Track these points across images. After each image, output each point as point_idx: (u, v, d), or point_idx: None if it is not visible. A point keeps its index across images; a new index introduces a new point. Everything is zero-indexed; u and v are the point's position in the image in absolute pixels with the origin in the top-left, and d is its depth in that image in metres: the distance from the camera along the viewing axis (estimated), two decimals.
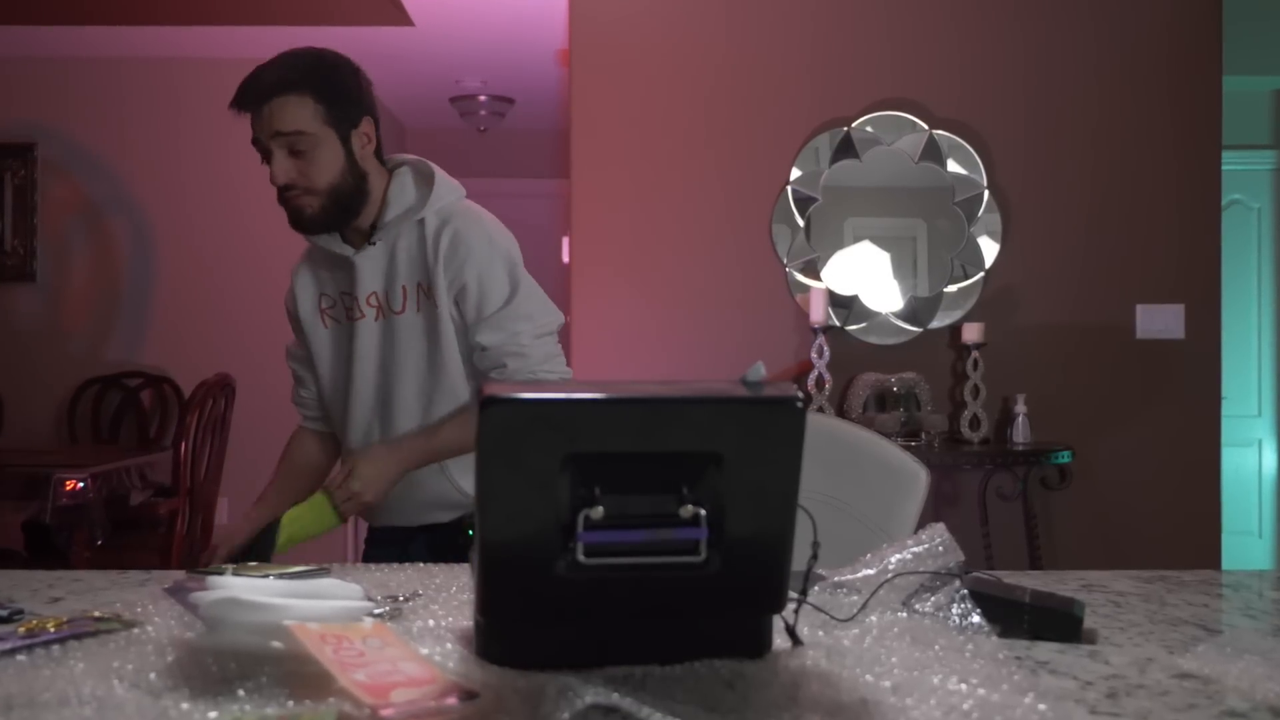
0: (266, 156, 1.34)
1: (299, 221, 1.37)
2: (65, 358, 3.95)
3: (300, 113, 1.31)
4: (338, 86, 1.34)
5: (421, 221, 1.38)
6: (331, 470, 1.47)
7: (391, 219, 1.38)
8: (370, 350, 1.40)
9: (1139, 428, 2.95)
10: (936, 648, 0.75)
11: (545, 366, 1.36)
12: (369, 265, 1.39)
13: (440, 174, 1.42)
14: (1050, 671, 0.72)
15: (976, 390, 2.85)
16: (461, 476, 1.41)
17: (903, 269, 3.00)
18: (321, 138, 1.32)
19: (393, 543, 1.45)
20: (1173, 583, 1.02)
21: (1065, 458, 2.77)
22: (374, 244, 1.38)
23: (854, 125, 2.96)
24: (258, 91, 1.32)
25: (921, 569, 0.87)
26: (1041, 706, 0.63)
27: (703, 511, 0.69)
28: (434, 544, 1.42)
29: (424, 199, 1.38)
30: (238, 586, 0.71)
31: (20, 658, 0.72)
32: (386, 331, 1.39)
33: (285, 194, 1.34)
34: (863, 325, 2.97)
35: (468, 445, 1.33)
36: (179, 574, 0.99)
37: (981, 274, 2.96)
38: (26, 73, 3.93)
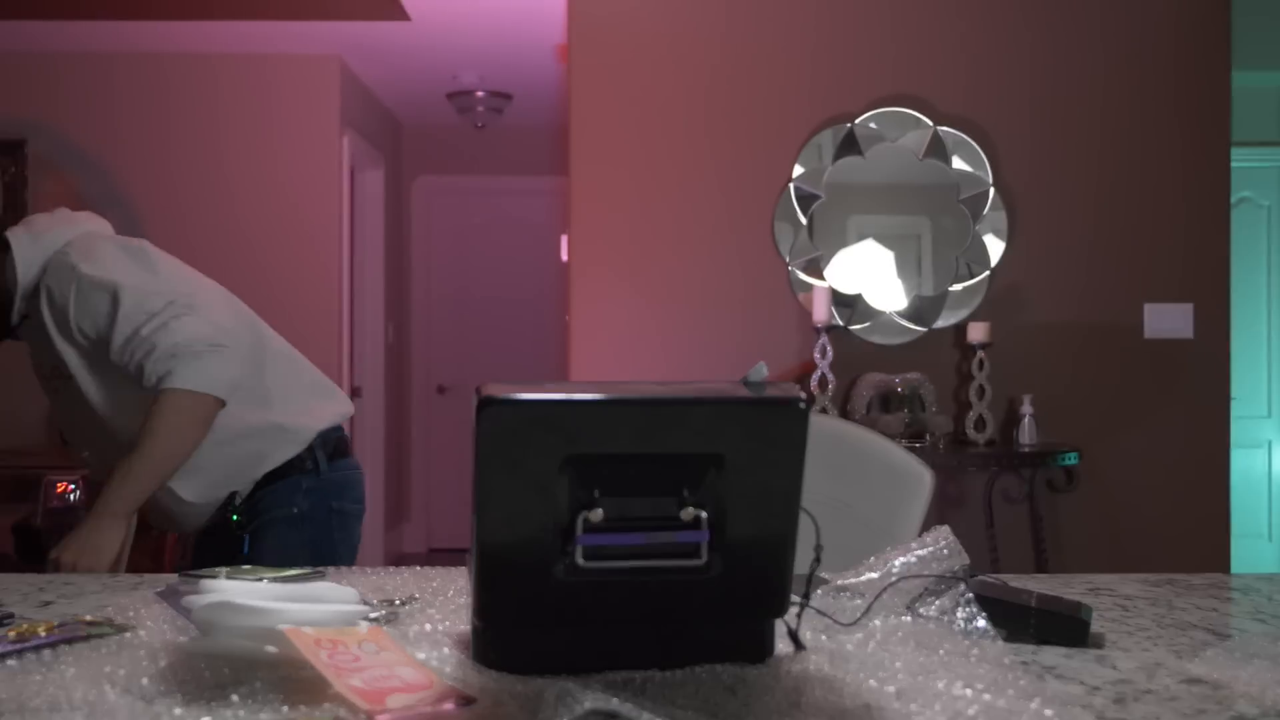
0: None
1: None
2: None
3: None
4: None
5: (44, 288, 1.39)
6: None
7: (21, 302, 1.40)
8: (79, 418, 1.45)
9: (1147, 429, 2.94)
10: (941, 652, 0.75)
11: (186, 344, 1.33)
12: (36, 345, 1.44)
13: (17, 244, 1.40)
14: (1057, 676, 0.71)
15: (982, 391, 2.84)
16: (182, 488, 1.41)
17: (907, 268, 2.99)
18: None
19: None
20: (1181, 586, 1.01)
21: (1072, 459, 2.75)
22: (27, 320, 1.42)
23: (857, 122, 2.95)
24: None
25: (926, 572, 0.86)
26: (1048, 712, 0.63)
27: (704, 514, 0.69)
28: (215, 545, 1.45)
29: (14, 268, 1.39)
30: (231, 590, 0.71)
31: (10, 663, 0.71)
32: (75, 395, 1.43)
33: None
34: (866, 325, 2.95)
35: (179, 449, 1.33)
36: (171, 578, 0.99)
37: (987, 273, 2.95)
38: (17, 68, 3.92)
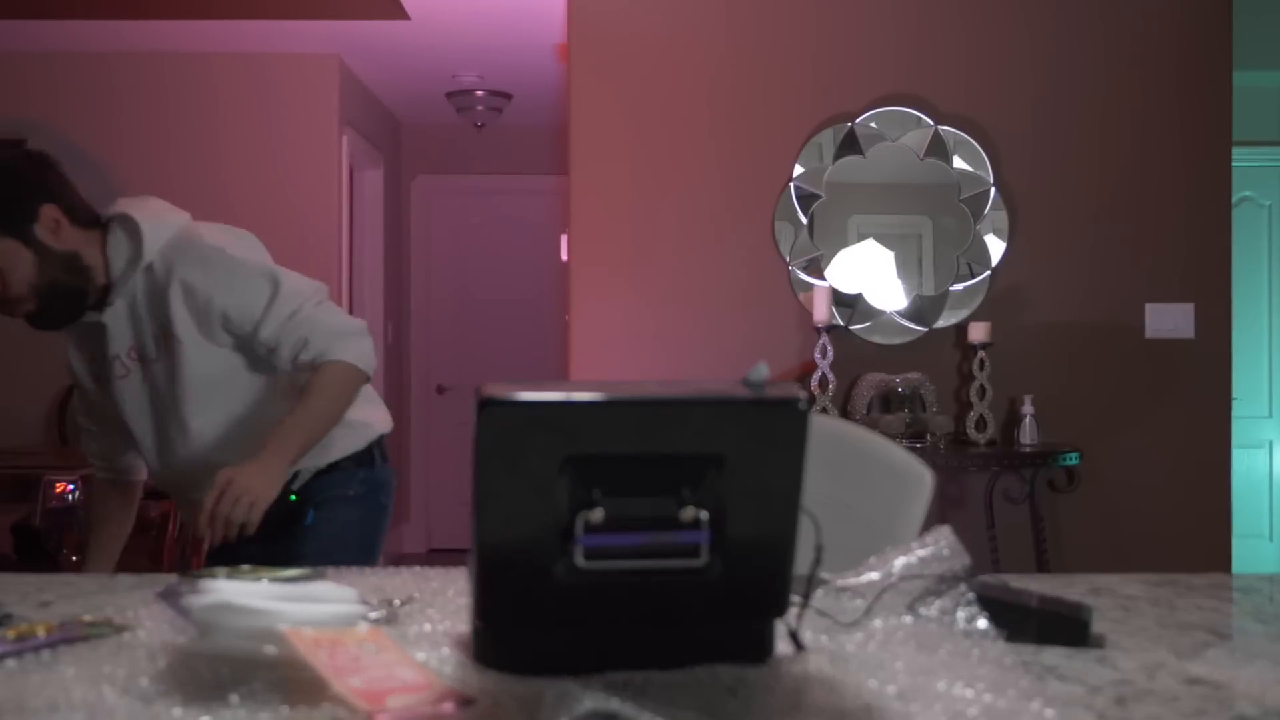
0: None
1: (39, 325, 1.41)
2: (55, 358, 3.88)
3: None
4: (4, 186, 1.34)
5: (150, 266, 1.42)
6: (130, 516, 1.56)
7: (119, 276, 1.41)
8: (141, 403, 1.45)
9: (1148, 429, 2.93)
10: (942, 653, 0.75)
11: (344, 325, 1.43)
12: (117, 323, 1.44)
13: (145, 220, 1.43)
14: (1058, 677, 0.71)
15: (983, 391, 2.83)
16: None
17: (908, 267, 2.98)
18: (1, 251, 1.33)
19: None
20: (1182, 586, 1.01)
21: (1073, 459, 2.75)
22: (112, 304, 1.43)
23: (858, 121, 2.94)
24: None
25: (927, 573, 0.86)
26: (1049, 712, 0.63)
27: (704, 514, 0.69)
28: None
29: (137, 249, 1.41)
30: (230, 591, 0.71)
31: (9, 663, 0.71)
32: (150, 380, 1.44)
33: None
34: (867, 325, 2.95)
35: (335, 413, 1.41)
36: (170, 578, 0.98)
37: (988, 272, 2.95)
38: (15, 68, 3.91)
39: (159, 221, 1.43)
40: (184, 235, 1.44)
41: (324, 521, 1.48)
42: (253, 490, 1.30)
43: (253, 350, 1.43)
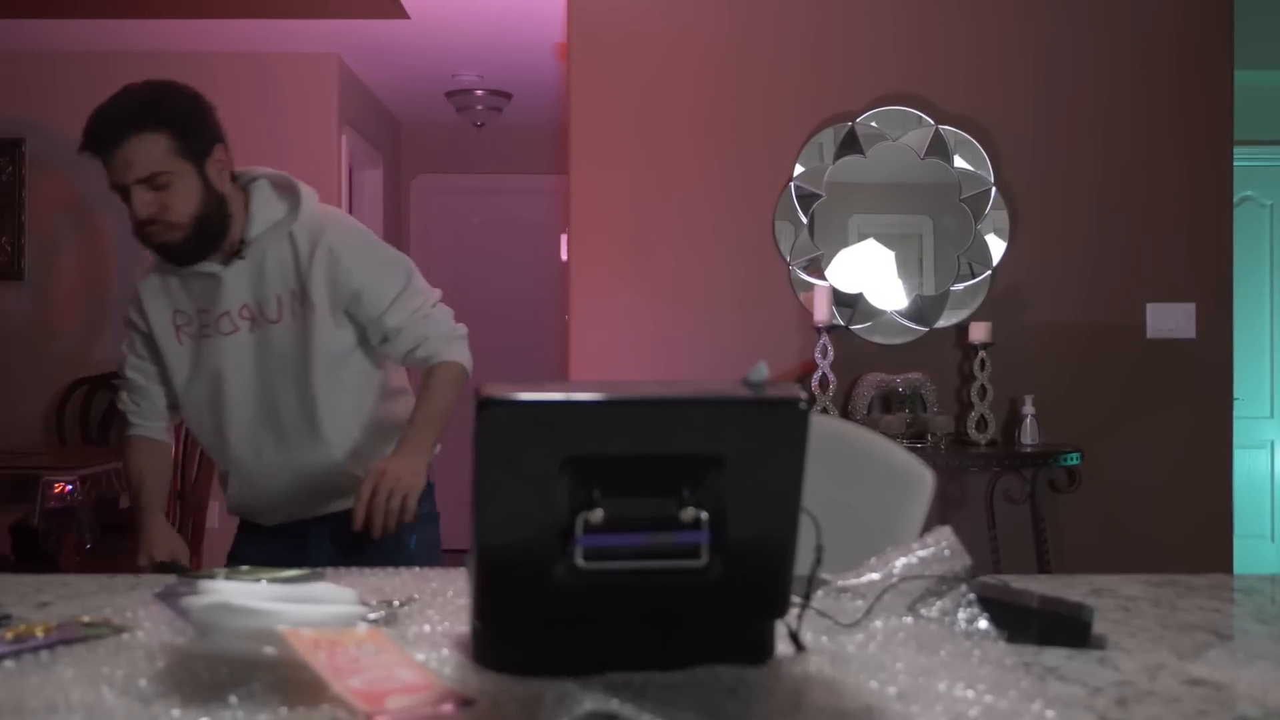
0: (125, 196, 1.36)
1: (170, 256, 1.40)
2: (54, 357, 3.91)
3: (155, 151, 1.34)
4: (187, 120, 1.38)
5: (291, 233, 1.43)
6: (170, 467, 1.55)
7: (259, 234, 1.42)
8: (245, 361, 1.44)
9: (1149, 429, 2.93)
10: (943, 653, 0.74)
11: (455, 329, 1.48)
12: (237, 279, 1.43)
13: (303, 186, 1.47)
14: (1059, 678, 0.71)
15: (983, 391, 2.83)
16: (354, 464, 1.45)
17: (908, 267, 2.98)
18: (179, 172, 1.35)
19: (290, 535, 1.49)
20: (1183, 587, 1.01)
21: (1074, 460, 2.74)
22: (243, 258, 1.43)
23: (858, 120, 2.94)
24: (110, 135, 1.34)
25: (927, 573, 0.86)
26: (1050, 713, 0.62)
27: (704, 515, 0.69)
28: (336, 532, 1.46)
29: (292, 212, 1.44)
30: (229, 591, 0.70)
31: (8, 664, 0.71)
32: (262, 341, 1.44)
33: (146, 229, 1.36)
34: (867, 324, 2.95)
35: (451, 413, 1.44)
36: (169, 578, 0.98)
37: (988, 272, 2.94)
38: (14, 67, 3.90)
39: (311, 190, 1.48)
40: (328, 209, 1.48)
41: (423, 546, 1.49)
42: (405, 480, 1.34)
43: (365, 336, 1.46)
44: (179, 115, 1.37)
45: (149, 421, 1.52)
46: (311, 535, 1.47)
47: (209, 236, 1.39)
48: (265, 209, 1.43)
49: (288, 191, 1.45)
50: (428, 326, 1.45)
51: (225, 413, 1.45)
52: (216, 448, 1.50)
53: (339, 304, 1.43)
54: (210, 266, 1.42)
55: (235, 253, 1.42)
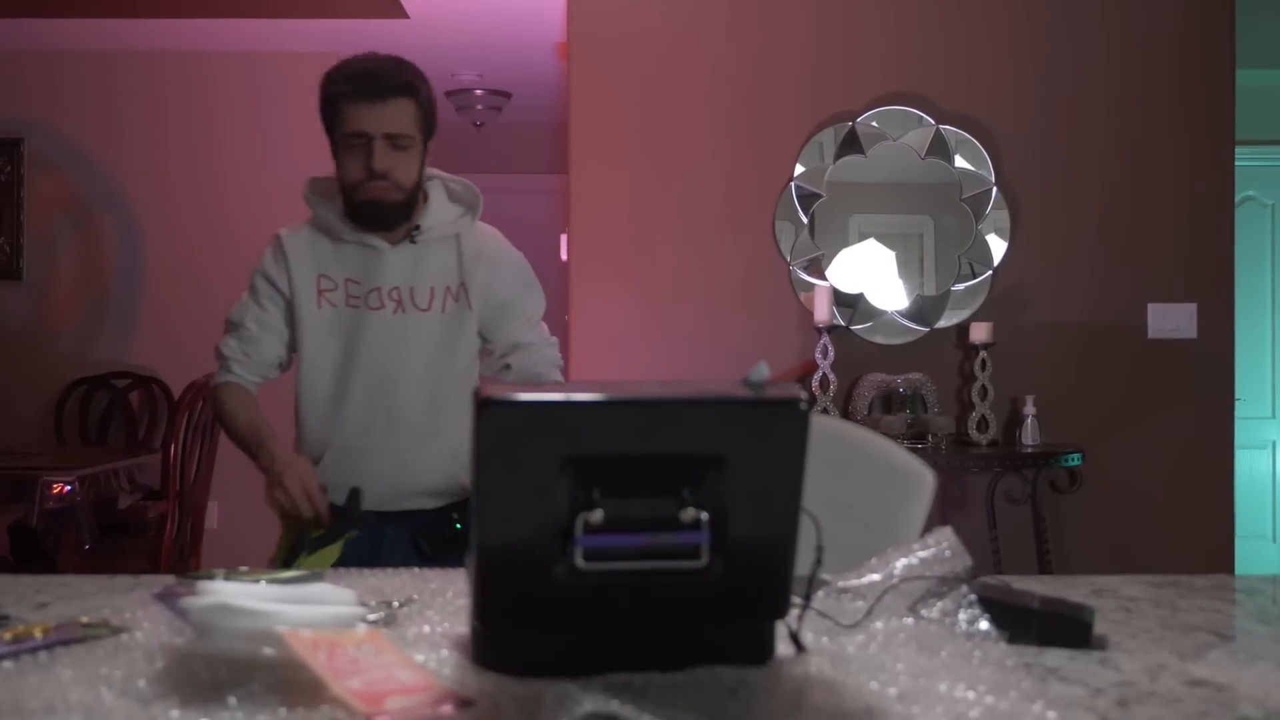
0: (358, 144, 1.41)
1: (378, 215, 1.45)
2: (52, 357, 3.91)
3: (408, 116, 1.42)
4: (432, 102, 1.47)
5: (458, 235, 1.51)
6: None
7: (431, 226, 1.49)
8: (385, 341, 1.47)
9: (1150, 430, 2.93)
10: (943, 654, 0.74)
11: (559, 359, 1.60)
12: (397, 260, 1.47)
13: (480, 198, 1.56)
14: (1060, 679, 0.71)
15: (984, 391, 2.83)
16: (460, 468, 1.47)
17: (909, 267, 2.98)
18: (416, 142, 1.44)
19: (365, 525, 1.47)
20: (1185, 588, 1.01)
21: (1075, 460, 2.74)
22: (413, 244, 1.48)
23: (859, 120, 2.94)
24: (381, 86, 1.41)
25: (928, 574, 0.86)
26: (1051, 714, 0.62)
27: (704, 515, 0.68)
28: (416, 529, 1.46)
29: (465, 216, 1.53)
30: (229, 592, 0.70)
31: (6, 665, 0.71)
32: (407, 326, 1.47)
33: (372, 183, 1.42)
34: (868, 325, 2.95)
35: None
36: (168, 579, 0.98)
37: (989, 272, 2.94)
38: (13, 66, 3.89)
39: (480, 201, 1.59)
40: (489, 225, 1.59)
41: None
42: None
43: (480, 337, 1.54)
44: (428, 95, 1.46)
45: (247, 373, 1.52)
46: (388, 530, 1.46)
47: (408, 210, 1.46)
48: (443, 207, 1.51)
49: (464, 197, 1.54)
50: (549, 350, 1.57)
51: (349, 384, 1.47)
52: (324, 416, 1.48)
53: (485, 311, 1.51)
54: (377, 242, 1.47)
55: (405, 236, 1.48)
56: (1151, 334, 2.93)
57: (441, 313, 1.48)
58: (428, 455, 1.46)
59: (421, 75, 1.46)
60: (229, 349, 1.53)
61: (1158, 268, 2.94)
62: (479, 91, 4.35)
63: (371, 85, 1.40)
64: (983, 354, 2.83)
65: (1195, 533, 2.89)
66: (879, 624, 0.81)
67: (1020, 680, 0.69)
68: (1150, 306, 2.93)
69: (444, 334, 1.48)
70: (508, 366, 1.54)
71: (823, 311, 2.79)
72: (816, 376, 2.80)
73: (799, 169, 2.94)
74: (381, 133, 1.40)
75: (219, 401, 1.52)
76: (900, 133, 2.94)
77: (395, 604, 0.88)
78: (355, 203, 1.44)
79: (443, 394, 1.47)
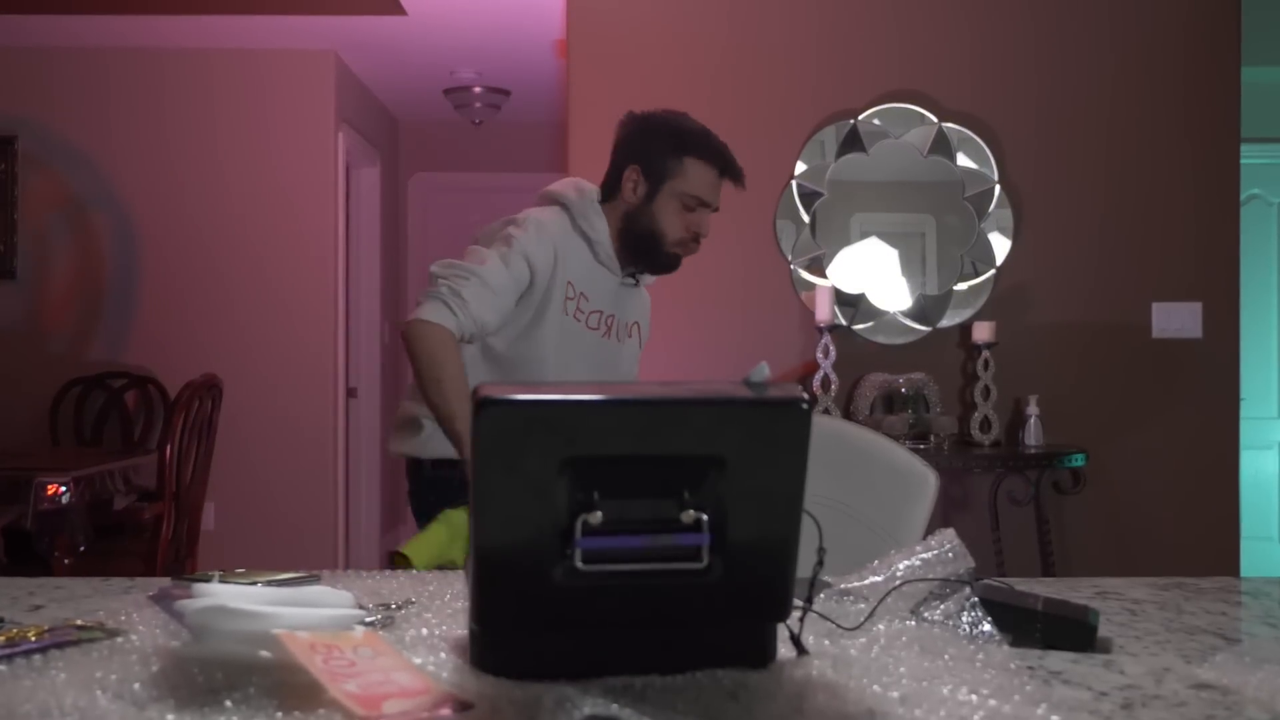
0: (693, 210, 1.57)
1: (675, 265, 1.61)
2: (46, 358, 3.90)
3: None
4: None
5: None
6: None
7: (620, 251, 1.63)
8: (593, 361, 1.60)
9: (1155, 430, 2.92)
10: (946, 657, 0.74)
11: None
12: (619, 293, 1.63)
13: None
14: (1063, 682, 0.70)
15: (987, 391, 2.82)
16: None
17: (911, 266, 2.97)
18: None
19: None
20: (1190, 590, 1.01)
21: (1079, 461, 2.73)
22: (636, 284, 1.66)
23: (861, 118, 2.93)
24: (737, 176, 1.61)
25: (931, 576, 0.85)
26: (1054, 718, 0.62)
27: (705, 516, 0.68)
28: None
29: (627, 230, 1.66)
30: (225, 594, 0.70)
31: (0, 668, 0.70)
32: (609, 351, 1.63)
33: (691, 244, 1.58)
34: (870, 324, 2.94)
35: None
36: (164, 581, 0.98)
37: (992, 271, 2.93)
38: (7, 63, 3.87)
39: None
40: None
41: None
42: None
43: None
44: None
45: (461, 322, 1.42)
46: None
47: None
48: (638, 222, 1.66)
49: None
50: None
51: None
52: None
53: (642, 343, 1.70)
54: (626, 278, 1.63)
55: (632, 274, 1.64)
56: (1156, 333, 2.92)
57: (624, 343, 1.65)
58: None
59: None
60: (473, 298, 1.42)
61: (1162, 267, 2.93)
62: (477, 89, 4.34)
63: (735, 171, 1.58)
64: (985, 354, 2.82)
65: (1200, 534, 2.88)
66: (881, 626, 0.81)
67: (1024, 683, 0.69)
68: (1155, 306, 2.93)
69: (624, 363, 1.65)
70: None
71: (824, 311, 2.79)
72: (818, 376, 2.80)
73: (800, 167, 2.94)
74: (714, 206, 1.57)
75: (434, 341, 1.39)
76: (902, 130, 2.93)
77: (393, 606, 0.88)
78: (662, 251, 1.57)
79: None
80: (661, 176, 1.53)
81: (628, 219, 1.56)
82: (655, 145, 1.55)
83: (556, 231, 1.55)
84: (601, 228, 1.57)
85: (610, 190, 1.60)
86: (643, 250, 1.56)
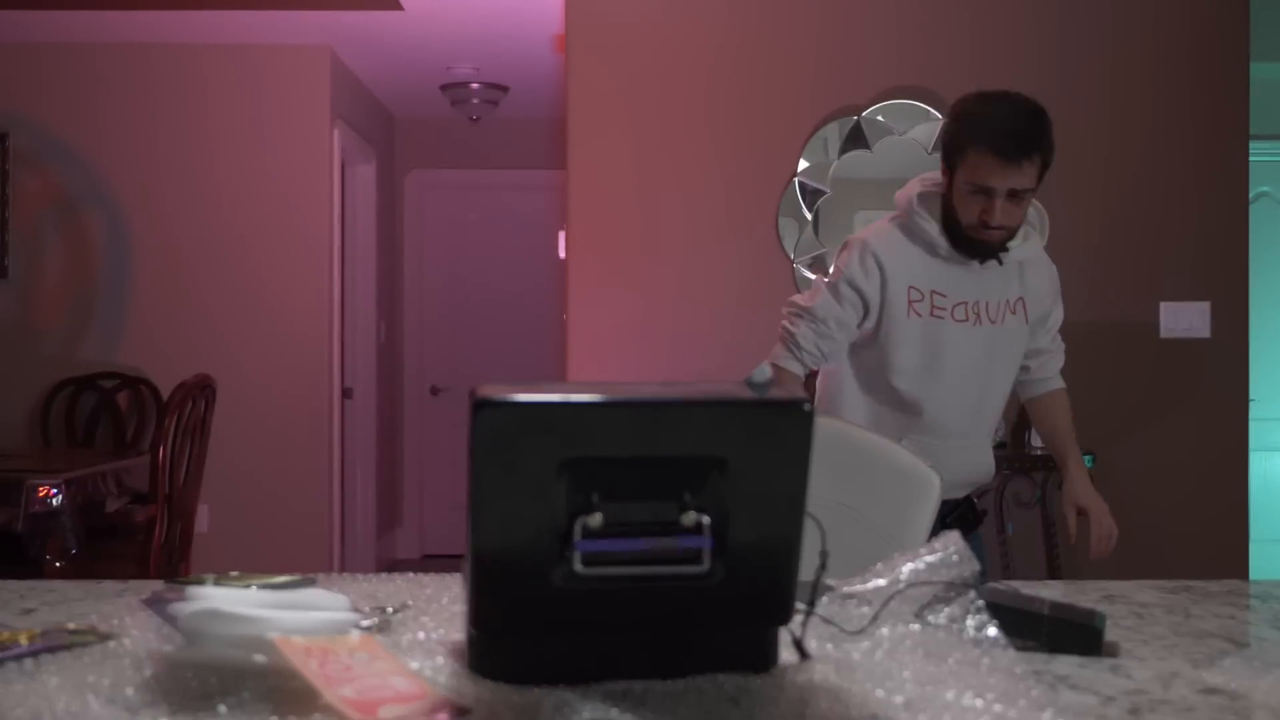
0: (979, 195, 1.55)
1: (984, 251, 1.60)
2: (38, 358, 3.87)
3: (1033, 173, 1.54)
4: (1053, 145, 1.58)
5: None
6: None
7: (1018, 250, 1.65)
8: (967, 350, 1.64)
9: (1163, 431, 2.90)
10: (951, 661, 0.73)
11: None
12: (976, 277, 1.64)
13: (1045, 217, 1.73)
14: (1070, 686, 0.70)
15: None
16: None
17: None
18: (1032, 191, 1.57)
19: None
20: (1198, 593, 1.00)
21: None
22: (1000, 264, 1.63)
23: (864, 114, 2.92)
24: (1022, 147, 1.52)
25: (935, 579, 0.85)
26: None
27: (706, 519, 0.68)
28: (945, 513, 1.56)
29: (1037, 238, 1.70)
30: (219, 598, 0.69)
31: None
32: (986, 338, 1.65)
33: (987, 230, 1.57)
34: None
35: None
36: (157, 584, 0.98)
37: None
38: None
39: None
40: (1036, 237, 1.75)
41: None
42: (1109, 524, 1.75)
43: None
44: (1051, 143, 1.56)
45: (800, 367, 1.68)
46: None
47: (1007, 243, 1.62)
48: (1028, 234, 1.68)
49: (1033, 219, 1.70)
50: (1060, 356, 1.81)
51: (938, 388, 1.63)
52: (903, 416, 1.65)
53: (1032, 318, 1.70)
54: (967, 261, 1.62)
55: (992, 255, 1.62)
56: (1163, 333, 2.90)
57: (1003, 325, 1.65)
58: (984, 452, 1.70)
59: (1049, 126, 1.56)
60: (805, 338, 1.68)
61: (1170, 266, 2.91)
62: (475, 85, 4.32)
63: (1008, 148, 1.51)
64: None
65: (1208, 536, 2.86)
66: (885, 630, 0.80)
67: (1029, 688, 0.68)
68: (1162, 305, 2.91)
69: (1005, 344, 1.66)
70: (1026, 368, 1.75)
71: None
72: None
73: (803, 164, 2.93)
74: (1006, 190, 1.51)
75: (791, 386, 1.65)
76: (906, 127, 2.92)
77: (389, 610, 0.87)
78: (965, 237, 1.58)
79: (995, 397, 1.69)
80: (953, 166, 1.58)
81: (945, 208, 1.62)
82: (946, 134, 1.62)
83: (883, 247, 1.66)
84: (930, 228, 1.63)
85: None
86: (955, 238, 1.60)
